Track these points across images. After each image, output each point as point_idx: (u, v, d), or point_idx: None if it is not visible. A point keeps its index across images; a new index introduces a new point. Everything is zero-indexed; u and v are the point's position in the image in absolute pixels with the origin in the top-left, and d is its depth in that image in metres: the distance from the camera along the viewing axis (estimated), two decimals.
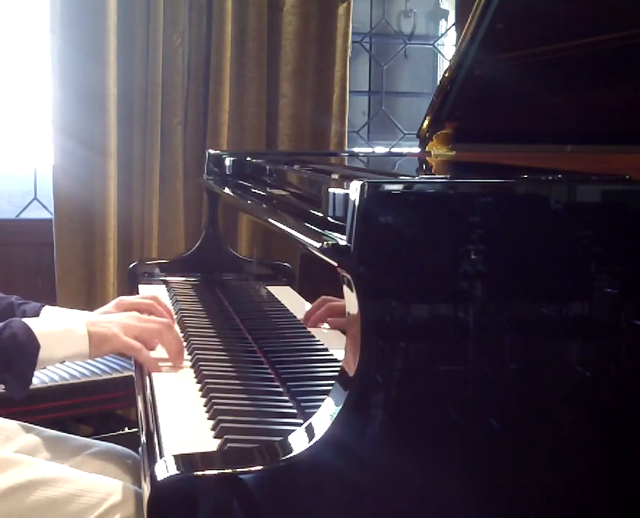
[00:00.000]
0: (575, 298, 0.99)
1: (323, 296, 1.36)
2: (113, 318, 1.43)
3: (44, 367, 1.39)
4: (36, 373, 1.34)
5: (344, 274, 0.96)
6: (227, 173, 1.87)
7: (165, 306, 1.58)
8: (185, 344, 1.50)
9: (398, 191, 0.95)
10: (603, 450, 1.01)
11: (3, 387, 1.31)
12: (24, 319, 1.35)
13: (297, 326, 1.47)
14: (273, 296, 1.63)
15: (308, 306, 1.44)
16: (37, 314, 1.55)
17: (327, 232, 1.02)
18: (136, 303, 1.55)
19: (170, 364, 1.40)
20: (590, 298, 0.99)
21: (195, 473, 0.91)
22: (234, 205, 2.01)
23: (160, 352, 1.42)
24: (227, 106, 2.96)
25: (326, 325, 1.36)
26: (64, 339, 1.34)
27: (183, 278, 2.05)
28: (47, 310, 1.57)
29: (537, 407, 0.99)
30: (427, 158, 1.97)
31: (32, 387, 2.01)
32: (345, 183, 0.99)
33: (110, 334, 1.37)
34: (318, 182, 1.18)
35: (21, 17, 3.09)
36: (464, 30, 1.88)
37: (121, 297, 1.59)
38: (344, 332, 1.02)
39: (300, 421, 1.09)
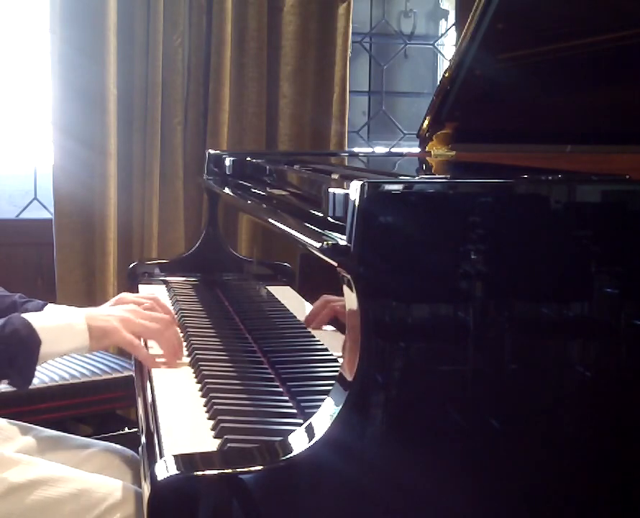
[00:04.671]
0: (575, 298, 0.99)
1: (325, 296, 1.35)
2: (112, 311, 1.43)
3: (46, 361, 1.38)
4: (36, 372, 1.34)
5: (344, 274, 0.96)
6: (227, 173, 1.87)
7: (164, 306, 1.57)
8: (185, 344, 1.50)
9: (398, 191, 0.95)
10: (603, 450, 1.01)
11: (6, 382, 1.32)
12: (24, 315, 1.35)
13: (297, 326, 1.47)
14: (273, 296, 1.63)
15: (308, 306, 1.44)
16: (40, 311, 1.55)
17: (327, 232, 1.02)
18: (137, 301, 1.55)
19: (172, 367, 1.40)
20: (590, 298, 0.99)
21: (195, 473, 0.91)
22: (234, 205, 2.01)
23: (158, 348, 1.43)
24: (227, 106, 2.96)
25: (328, 327, 1.36)
26: (64, 334, 1.34)
27: (183, 278, 2.05)
28: (50, 308, 1.57)
29: (537, 407, 0.99)
30: (427, 158, 1.97)
31: (32, 387, 2.02)
32: (345, 183, 0.99)
33: (110, 328, 1.37)
34: (318, 182, 1.18)
35: (21, 17, 3.09)
36: (464, 30, 1.88)
37: (122, 294, 1.59)
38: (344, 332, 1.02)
39: (300, 421, 1.09)
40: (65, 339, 1.35)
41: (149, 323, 1.42)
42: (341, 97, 3.08)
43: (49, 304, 1.58)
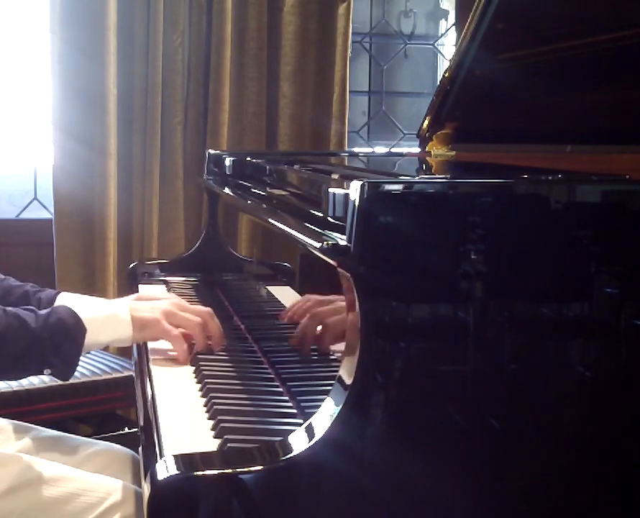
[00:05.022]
0: (575, 298, 0.99)
1: (307, 296, 1.35)
2: (156, 304, 1.44)
3: (89, 352, 1.40)
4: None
5: (344, 274, 0.96)
6: (227, 173, 1.87)
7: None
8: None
9: (398, 191, 0.95)
10: (604, 450, 1.01)
11: (49, 372, 1.31)
12: (68, 305, 1.36)
13: (297, 327, 1.46)
14: (273, 296, 1.63)
15: None
16: (52, 301, 1.56)
17: (327, 232, 1.02)
18: (156, 298, 1.55)
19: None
20: (590, 298, 0.99)
21: (195, 473, 0.91)
22: (234, 205, 2.01)
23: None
24: (227, 106, 2.96)
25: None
26: (109, 324, 1.36)
27: (183, 278, 2.05)
28: (63, 297, 1.57)
29: (537, 407, 0.99)
30: (427, 158, 1.97)
31: (31, 387, 2.03)
32: (345, 183, 0.99)
33: (152, 320, 1.39)
34: (318, 182, 1.18)
35: (21, 17, 3.09)
36: (464, 30, 1.88)
37: (139, 294, 1.61)
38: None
39: (300, 421, 1.09)
40: (109, 329, 1.36)
41: (189, 317, 1.43)
42: (341, 97, 3.08)
43: (62, 293, 1.59)
